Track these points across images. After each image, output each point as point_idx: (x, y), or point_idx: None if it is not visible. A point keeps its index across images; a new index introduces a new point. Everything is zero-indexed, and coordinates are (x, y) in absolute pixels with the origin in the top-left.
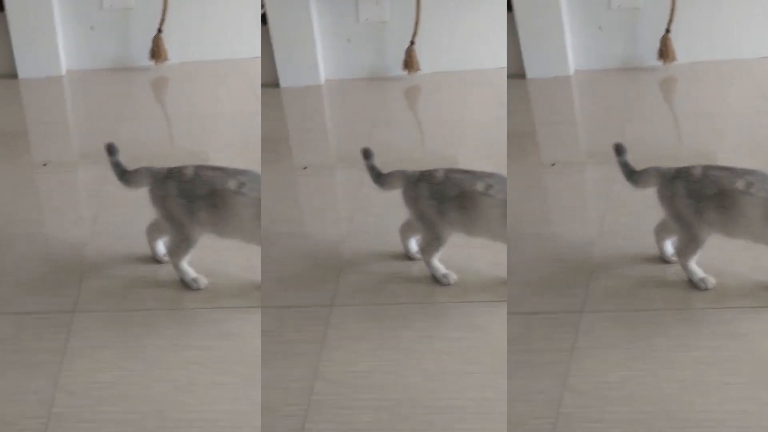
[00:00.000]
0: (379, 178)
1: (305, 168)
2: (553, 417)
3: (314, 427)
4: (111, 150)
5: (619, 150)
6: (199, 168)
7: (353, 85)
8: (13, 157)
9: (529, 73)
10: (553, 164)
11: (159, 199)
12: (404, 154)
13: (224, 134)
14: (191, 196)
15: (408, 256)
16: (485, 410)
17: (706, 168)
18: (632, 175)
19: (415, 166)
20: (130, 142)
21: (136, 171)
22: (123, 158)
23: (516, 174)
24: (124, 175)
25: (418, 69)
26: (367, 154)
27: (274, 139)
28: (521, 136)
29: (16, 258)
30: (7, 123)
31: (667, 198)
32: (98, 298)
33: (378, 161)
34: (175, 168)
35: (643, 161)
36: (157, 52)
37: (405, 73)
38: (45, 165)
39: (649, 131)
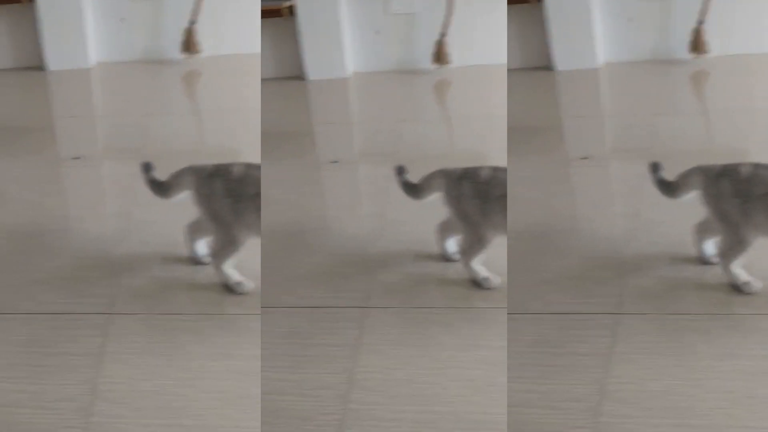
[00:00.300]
0: (414, 189)
1: (334, 162)
2: (591, 427)
3: None
4: (147, 168)
5: (654, 168)
6: (249, 166)
7: (381, 78)
8: (40, 150)
9: (558, 66)
10: (583, 158)
11: (203, 197)
12: (433, 150)
13: (255, 129)
14: (239, 196)
15: (444, 257)
16: None
17: (756, 166)
18: (669, 188)
19: (443, 163)
20: (159, 137)
21: (176, 174)
22: (151, 153)
23: (544, 168)
24: (162, 187)
25: (448, 62)
26: (400, 170)
27: (300, 133)
28: (549, 129)
29: (47, 255)
30: (35, 116)
31: (711, 197)
32: (134, 300)
33: (405, 157)
34: (222, 165)
35: (671, 156)
36: (188, 44)
37: (434, 66)
38: (76, 159)
39: (679, 126)
